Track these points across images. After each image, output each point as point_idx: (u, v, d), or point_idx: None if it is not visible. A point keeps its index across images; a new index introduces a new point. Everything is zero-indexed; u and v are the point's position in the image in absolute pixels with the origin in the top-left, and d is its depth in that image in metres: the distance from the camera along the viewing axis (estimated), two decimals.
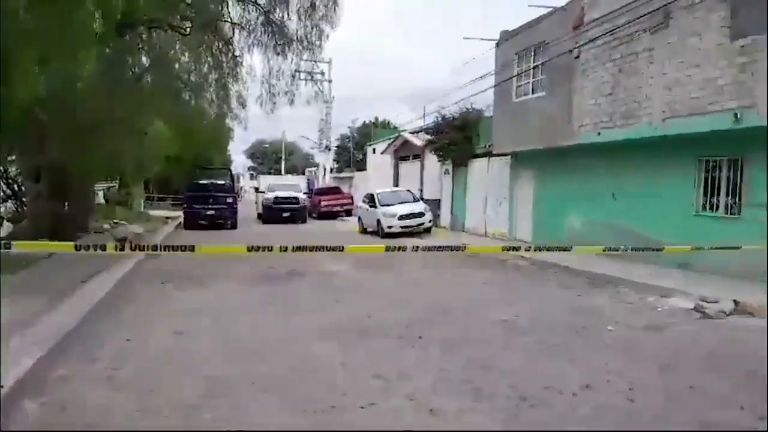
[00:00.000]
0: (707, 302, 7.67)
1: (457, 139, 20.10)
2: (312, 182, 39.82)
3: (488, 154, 18.28)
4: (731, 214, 10.00)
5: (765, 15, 8.63)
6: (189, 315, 7.26)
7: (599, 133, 12.21)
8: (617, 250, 10.00)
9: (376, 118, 56.15)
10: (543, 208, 15.37)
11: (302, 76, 20.99)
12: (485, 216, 18.72)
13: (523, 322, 6.98)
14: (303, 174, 51.05)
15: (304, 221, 26.62)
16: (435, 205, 21.62)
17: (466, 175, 20.24)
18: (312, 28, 16.82)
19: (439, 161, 21.83)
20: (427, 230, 19.01)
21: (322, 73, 35.66)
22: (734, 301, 7.61)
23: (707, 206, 10.51)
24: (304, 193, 29.37)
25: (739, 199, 9.86)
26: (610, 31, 11.78)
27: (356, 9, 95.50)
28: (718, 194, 10.30)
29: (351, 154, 50.28)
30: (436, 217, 21.19)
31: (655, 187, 11.40)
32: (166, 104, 17.15)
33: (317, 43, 17.11)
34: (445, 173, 21.91)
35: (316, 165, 47.99)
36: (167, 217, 27.36)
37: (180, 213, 26.26)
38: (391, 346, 5.90)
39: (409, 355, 5.60)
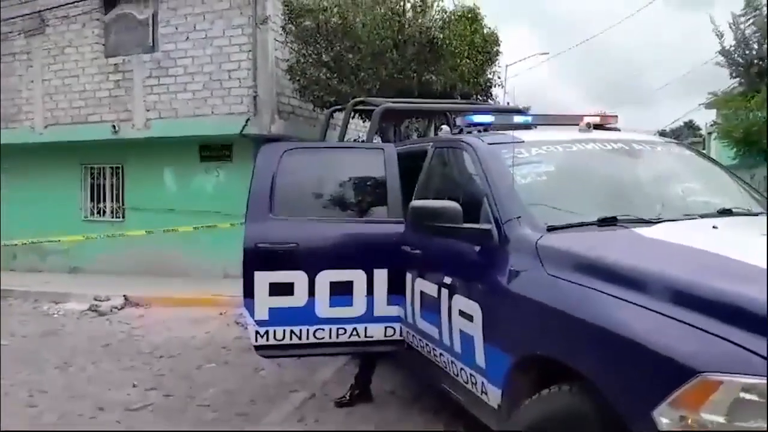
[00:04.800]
0: (100, 301, 8.26)
1: None
2: None
3: None
4: (116, 218, 10.93)
5: None
6: None
7: None
8: (14, 245, 9.46)
9: None
10: None
11: None
12: None
13: None
14: None
15: None
16: None
17: None
18: None
19: None
20: None
21: None
22: (124, 296, 8.46)
23: (95, 212, 11.12)
24: None
25: (123, 204, 10.88)
26: None
27: None
28: (104, 200, 11.05)
29: None
30: None
31: (43, 192, 11.11)
32: None
33: None
34: None
35: None
36: None
37: None
38: None
39: None
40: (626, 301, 1.88)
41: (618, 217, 2.59)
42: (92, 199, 11.11)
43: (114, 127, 9.94)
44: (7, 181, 11.48)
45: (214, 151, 10.05)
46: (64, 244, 10.20)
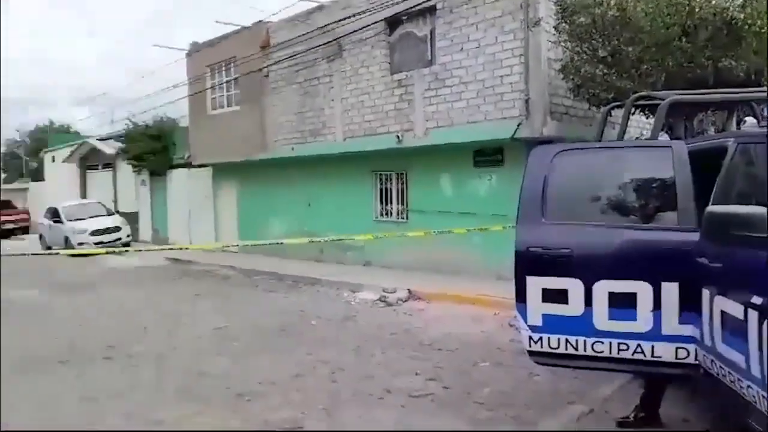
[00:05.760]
0: (388, 292, 9.19)
1: (153, 148, 19.31)
2: None
3: (188, 165, 18.05)
4: (401, 219, 12.04)
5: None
6: None
7: (293, 148, 13.32)
8: (320, 242, 11.13)
9: (52, 122, 49.44)
10: (247, 218, 15.92)
11: None
12: (189, 227, 18.43)
13: (234, 329, 7.37)
14: None
15: None
16: (132, 218, 20.33)
17: (166, 187, 19.60)
18: None
19: (134, 171, 20.61)
20: (126, 245, 17.81)
21: None
22: (408, 289, 9.26)
23: (383, 213, 12.43)
24: None
25: (406, 206, 11.93)
26: (293, 55, 12.98)
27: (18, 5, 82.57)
28: (391, 202, 12.28)
29: (23, 162, 43.32)
30: (135, 231, 19.96)
31: (343, 197, 12.96)
32: None
33: None
34: (142, 184, 20.79)
35: None
36: None
37: None
38: (98, 369, 5.67)
39: (120, 375, 5.49)
40: None
41: None
42: (381, 202, 12.42)
43: (398, 137, 10.97)
44: (314, 185, 13.59)
45: (487, 155, 10.36)
46: (359, 242, 11.65)
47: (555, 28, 8.83)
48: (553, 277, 3.53)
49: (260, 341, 6.71)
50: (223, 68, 15.41)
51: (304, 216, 13.85)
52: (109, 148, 22.66)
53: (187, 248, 15.83)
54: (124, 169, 21.49)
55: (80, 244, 17.04)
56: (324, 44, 12.18)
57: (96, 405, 4.62)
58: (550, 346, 3.57)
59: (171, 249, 16.39)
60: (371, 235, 10.28)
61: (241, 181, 16.11)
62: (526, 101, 9.28)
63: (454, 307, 8.28)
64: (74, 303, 9.50)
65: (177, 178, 19.08)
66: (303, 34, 12.56)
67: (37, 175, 36.12)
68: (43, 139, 40.38)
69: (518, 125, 9.29)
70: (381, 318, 7.93)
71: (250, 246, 13.82)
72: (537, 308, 3.57)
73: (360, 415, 4.33)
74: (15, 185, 37.75)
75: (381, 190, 12.42)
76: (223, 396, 4.77)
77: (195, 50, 16.49)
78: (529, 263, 3.58)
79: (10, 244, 22.60)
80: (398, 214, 12.14)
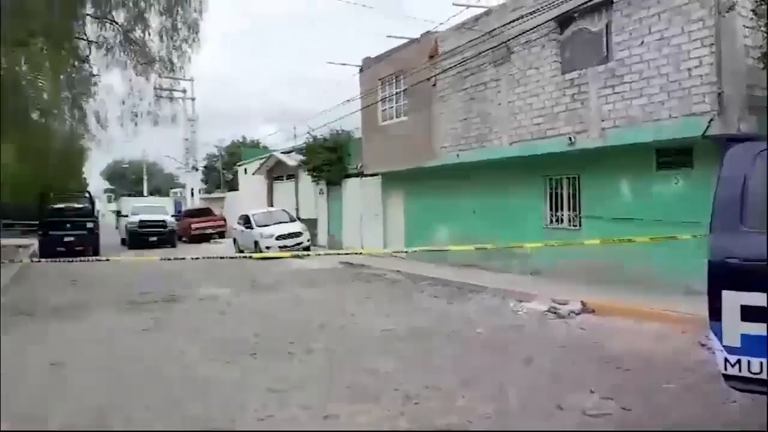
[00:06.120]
0: (559, 304, 8.78)
1: (329, 159, 20.67)
2: (180, 204, 38.21)
3: (360, 174, 19.02)
4: (573, 226, 11.45)
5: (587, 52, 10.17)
6: (64, 345, 6.98)
7: (458, 155, 13.35)
8: (486, 248, 11.05)
9: (244, 138, 55.26)
10: (413, 225, 16.33)
11: (164, 94, 20.50)
12: (361, 233, 19.40)
13: (402, 331, 7.56)
14: (168, 196, 48.74)
15: (173, 245, 25.57)
16: (312, 224, 21.95)
17: (341, 195, 20.85)
18: (174, 50, 16.76)
19: (313, 181, 22.24)
20: (306, 249, 19.27)
21: (184, 91, 34.59)
22: (582, 302, 8.77)
23: (554, 220, 11.93)
24: (173, 216, 28.24)
25: (579, 212, 11.33)
26: (460, 62, 13.00)
27: (215, 28, 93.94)
28: (562, 208, 11.74)
29: (221, 174, 49.01)
30: (314, 236, 21.52)
31: (509, 203, 12.70)
32: (12, 125, 15.95)
33: (179, 64, 17.12)
34: (320, 193, 22.36)
35: (182, 186, 46.12)
36: (18, 246, 24.91)
37: (33, 241, 24.05)
38: (280, 362, 6.17)
39: (299, 368, 5.92)
40: None
41: None
42: (551, 208, 11.93)
43: (570, 139, 10.45)
44: (479, 191, 13.50)
45: (671, 156, 9.45)
46: (527, 250, 11.31)
47: (753, 11, 7.85)
48: (754, 293, 3.12)
49: (426, 345, 6.80)
50: (393, 80, 16.00)
51: (469, 223, 13.81)
52: (292, 161, 24.73)
53: (359, 253, 16.67)
54: (305, 179, 23.28)
55: (267, 247, 18.79)
56: (492, 48, 12.05)
57: (279, 396, 5.02)
58: (750, 371, 3.14)
59: (346, 254, 17.39)
60: (541, 243, 9.92)
61: (408, 188, 16.55)
62: (719, 95, 8.29)
63: (633, 322, 7.66)
64: (261, 300, 10.48)
65: (351, 186, 20.20)
66: (471, 41, 12.56)
67: (232, 186, 40.63)
68: (237, 153, 45.27)
69: (710, 121, 8.33)
70: (551, 330, 7.60)
71: (416, 252, 14.13)
72: (734, 327, 3.17)
73: (530, 430, 4.18)
74: (214, 195, 42.83)
75: (551, 195, 11.94)
76: (391, 396, 4.90)
77: (367, 66, 17.35)
78: (725, 276, 3.21)
79: (209, 247, 25.71)
80: (570, 221, 11.57)
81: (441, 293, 10.77)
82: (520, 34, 11.37)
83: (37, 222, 22.67)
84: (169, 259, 12.21)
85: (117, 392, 5.18)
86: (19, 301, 10.35)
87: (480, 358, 6.14)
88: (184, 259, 12.76)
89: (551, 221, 11.96)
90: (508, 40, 11.66)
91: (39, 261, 15.36)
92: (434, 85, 14.02)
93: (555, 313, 8.55)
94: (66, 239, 21.31)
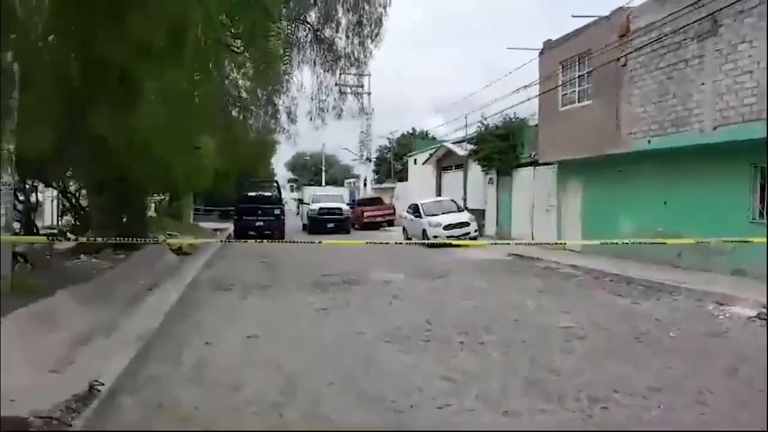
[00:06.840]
0: None
1: (501, 148, 20.20)
2: (353, 193, 40.25)
3: (534, 163, 18.30)
4: None
5: None
6: (258, 320, 7.62)
7: (649, 141, 12.16)
8: (678, 244, 9.96)
9: (414, 129, 56.35)
10: (592, 216, 15.31)
11: (347, 90, 21.67)
12: (532, 224, 18.71)
13: (582, 329, 7.05)
14: (343, 185, 51.63)
15: (347, 231, 27.02)
16: (480, 214, 21.69)
17: (511, 184, 20.28)
18: (358, 45, 17.48)
19: (483, 171, 21.92)
20: (473, 239, 19.10)
21: (362, 86, 36.18)
22: None
23: (764, 213, 10.35)
24: (347, 204, 29.83)
25: None
26: (657, 39, 11.77)
27: (393, 22, 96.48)
28: None
29: (391, 165, 50.63)
30: (482, 226, 21.25)
31: (708, 194, 11.29)
32: (215, 119, 17.80)
33: (363, 59, 17.81)
34: (489, 182, 21.99)
35: (356, 176, 48.50)
36: (215, 229, 28.14)
37: (227, 225, 26.97)
38: (454, 351, 6.08)
39: (473, 359, 5.77)
40: None
41: None
42: (761, 200, 10.38)
43: None
44: (672, 180, 12.18)
45: None
46: (729, 246, 9.96)
47: None
48: None
49: (610, 346, 6.26)
50: (576, 63, 15.07)
51: (658, 215, 12.57)
52: (461, 150, 24.66)
53: (530, 244, 16.06)
54: (474, 169, 23.06)
55: (434, 236, 18.95)
56: (696, 21, 10.72)
57: (454, 384, 4.93)
58: None
59: (517, 244, 16.89)
60: (750, 239, 8.65)
61: (588, 177, 15.54)
62: None
63: None
64: (431, 287, 10.52)
65: (522, 176, 19.56)
66: (671, 14, 11.30)
67: (402, 176, 41.73)
68: (407, 144, 46.38)
69: None
70: (760, 339, 6.57)
71: (594, 245, 13.21)
72: None
73: None
74: (384, 185, 44.39)
75: (762, 186, 10.37)
76: (575, 397, 4.55)
77: (548, 48, 16.56)
78: None
79: (379, 235, 26.70)
80: None
81: (625, 291, 9.91)
82: (731, 4, 9.95)
83: (233, 208, 25.37)
84: (375, 243, 13.16)
85: (303, 366, 5.49)
86: (219, 277, 11.62)
87: (674, 364, 5.48)
88: (387, 243, 13.33)
89: (760, 215, 10.40)
90: (717, 10, 10.26)
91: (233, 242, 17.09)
92: (624, 65, 12.92)
93: (764, 319, 7.41)
94: (257, 224, 23.58)
